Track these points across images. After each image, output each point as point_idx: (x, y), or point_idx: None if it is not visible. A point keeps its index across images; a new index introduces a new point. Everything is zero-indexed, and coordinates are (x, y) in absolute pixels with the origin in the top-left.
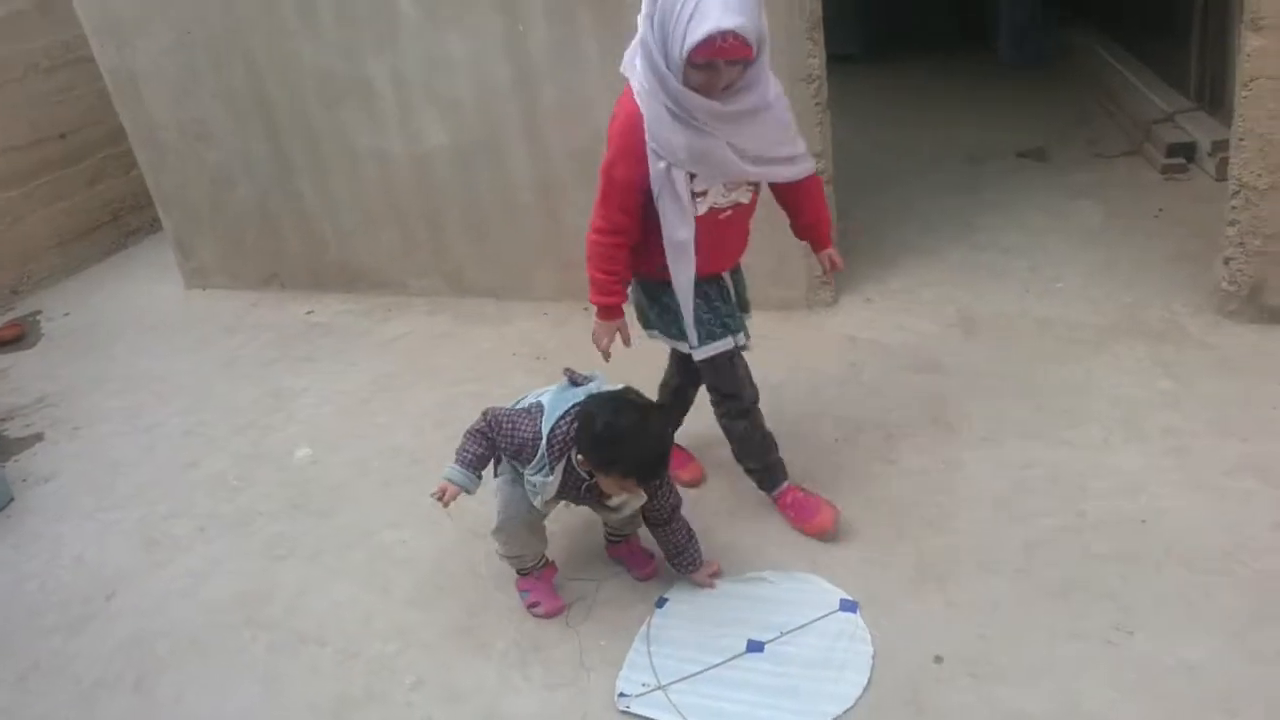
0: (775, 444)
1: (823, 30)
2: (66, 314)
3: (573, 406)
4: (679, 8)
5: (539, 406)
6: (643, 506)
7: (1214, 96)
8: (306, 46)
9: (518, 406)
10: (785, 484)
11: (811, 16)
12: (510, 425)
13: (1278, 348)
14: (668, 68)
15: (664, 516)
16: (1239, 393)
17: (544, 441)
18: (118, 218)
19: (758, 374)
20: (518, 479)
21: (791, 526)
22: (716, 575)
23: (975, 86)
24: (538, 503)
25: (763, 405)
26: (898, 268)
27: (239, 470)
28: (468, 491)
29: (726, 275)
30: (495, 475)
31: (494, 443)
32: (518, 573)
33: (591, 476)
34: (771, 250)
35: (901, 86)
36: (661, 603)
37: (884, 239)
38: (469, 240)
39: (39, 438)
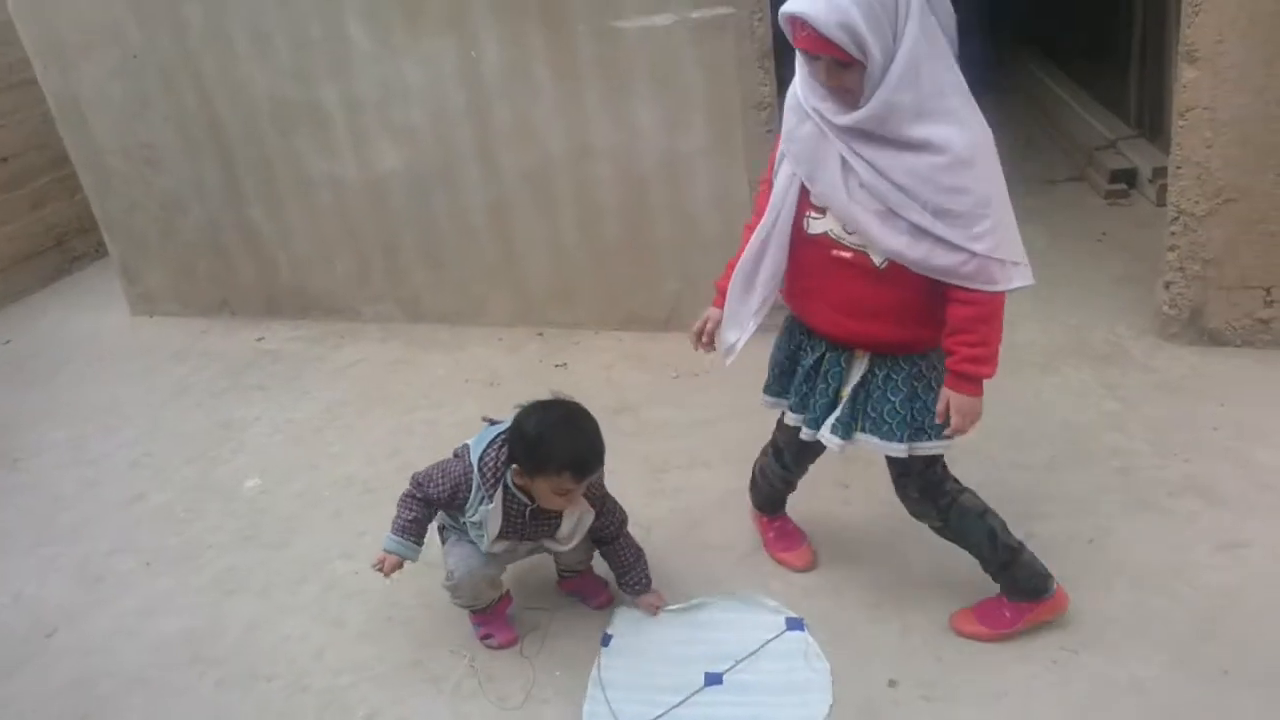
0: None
1: (773, 58)
2: (7, 341)
3: (498, 435)
4: None
5: (464, 447)
6: (591, 527)
7: (1154, 124)
8: (259, 72)
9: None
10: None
11: (762, 44)
12: (440, 473)
13: (1216, 370)
14: None
15: (612, 532)
16: (1181, 414)
17: (475, 471)
18: (61, 243)
19: (712, 400)
20: (463, 534)
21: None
22: (660, 605)
23: None
24: (484, 545)
25: (720, 433)
26: None
27: (187, 502)
28: (409, 560)
29: (832, 352)
30: (442, 543)
31: (428, 500)
32: (471, 612)
33: (532, 501)
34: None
35: None
36: (606, 640)
37: None
38: (424, 266)
39: None
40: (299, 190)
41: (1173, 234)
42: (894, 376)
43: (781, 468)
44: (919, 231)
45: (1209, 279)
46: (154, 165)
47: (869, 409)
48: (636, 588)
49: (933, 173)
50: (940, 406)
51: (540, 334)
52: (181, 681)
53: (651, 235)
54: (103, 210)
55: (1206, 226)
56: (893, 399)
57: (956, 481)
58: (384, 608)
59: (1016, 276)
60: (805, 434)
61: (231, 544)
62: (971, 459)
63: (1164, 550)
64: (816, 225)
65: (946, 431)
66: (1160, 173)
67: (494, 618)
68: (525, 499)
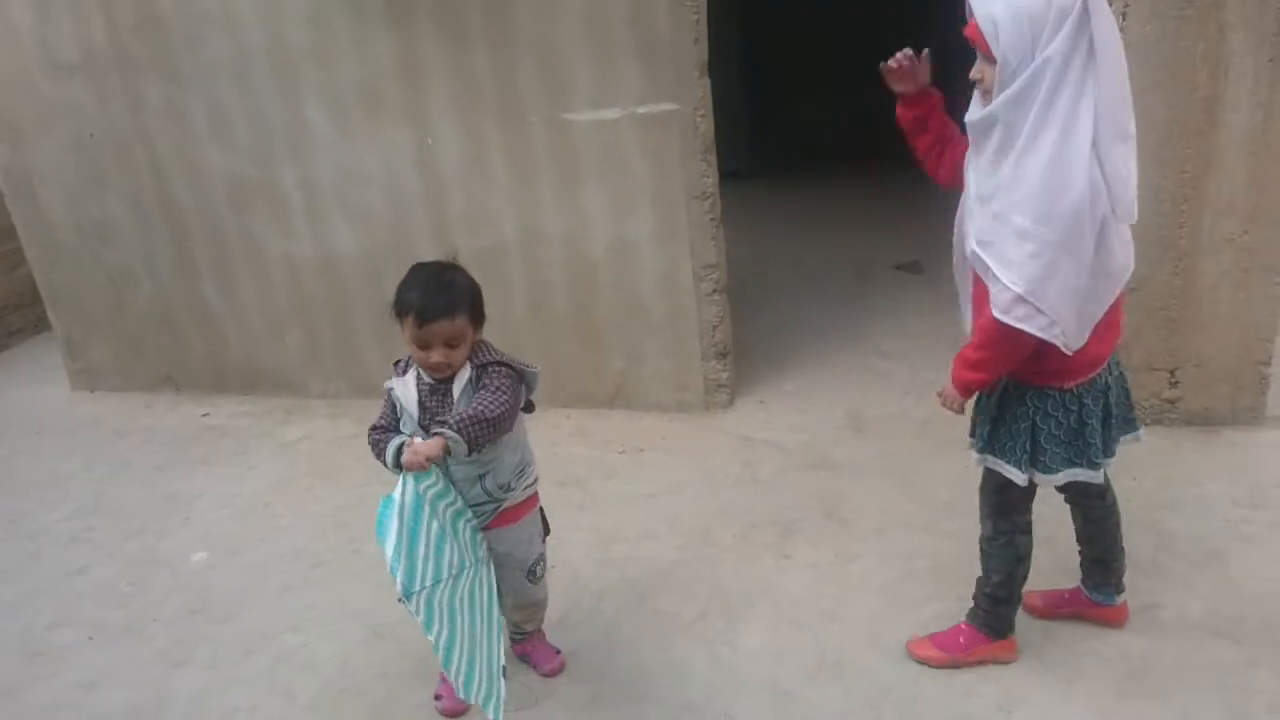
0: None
1: (715, 152)
2: None
3: None
4: None
5: None
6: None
7: None
8: (216, 153)
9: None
10: None
11: (705, 139)
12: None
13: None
14: None
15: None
16: None
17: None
18: None
19: (657, 475)
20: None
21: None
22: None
23: (858, 200)
24: (407, 427)
25: (665, 506)
26: (789, 372)
27: (131, 576)
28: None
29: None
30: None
31: (383, 427)
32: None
33: (439, 382)
34: (668, 354)
35: (792, 201)
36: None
37: (776, 345)
38: (375, 343)
39: None
40: (252, 267)
41: None
42: (1023, 404)
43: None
44: (983, 244)
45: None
46: (105, 240)
47: (1000, 432)
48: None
49: (990, 186)
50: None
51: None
52: None
53: (599, 316)
54: (49, 285)
55: None
56: (1019, 426)
57: (1029, 522)
58: (337, 679)
59: (1025, 320)
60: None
61: (178, 617)
62: (906, 529)
63: None
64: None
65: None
66: None
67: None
68: (429, 378)
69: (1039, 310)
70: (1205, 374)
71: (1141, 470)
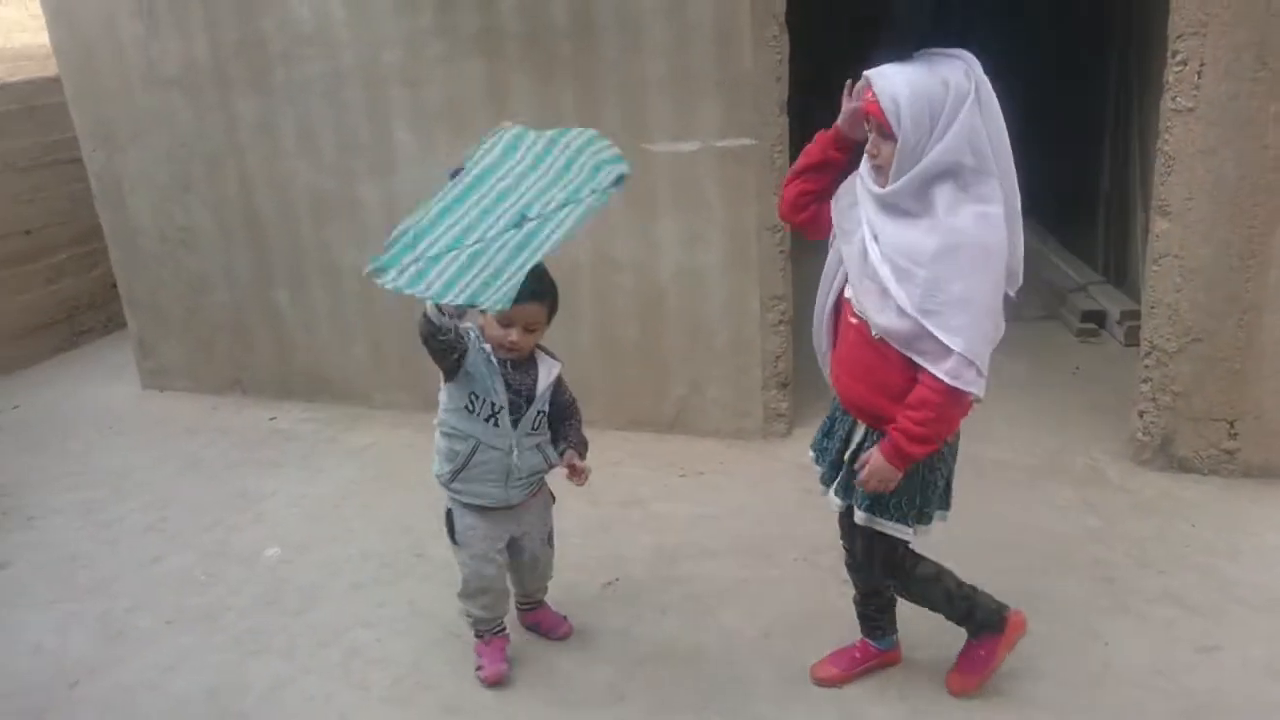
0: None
1: None
2: (16, 406)
3: None
4: None
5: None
6: (552, 401)
7: (1119, 271)
8: (303, 167)
9: None
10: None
11: (780, 173)
12: None
13: (1187, 494)
14: None
15: (563, 411)
16: (1155, 532)
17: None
18: (72, 316)
19: (717, 497)
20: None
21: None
22: (580, 473)
23: None
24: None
25: (726, 527)
26: None
27: (206, 566)
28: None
29: (843, 415)
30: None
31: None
32: (475, 636)
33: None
34: (730, 382)
35: None
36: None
37: None
38: None
39: None
40: (325, 278)
41: (1146, 367)
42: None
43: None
44: (905, 315)
45: (1179, 410)
46: (187, 246)
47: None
48: (565, 444)
49: (923, 257)
50: (863, 459)
51: None
52: None
53: (664, 342)
54: (128, 287)
55: (1176, 362)
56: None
57: (915, 554)
58: (410, 674)
59: (973, 383)
60: (820, 491)
61: (252, 608)
62: (958, 559)
63: (1145, 651)
64: (848, 290)
65: (857, 481)
66: (1128, 315)
67: (492, 649)
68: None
69: (980, 373)
70: (1265, 426)
71: (1199, 518)
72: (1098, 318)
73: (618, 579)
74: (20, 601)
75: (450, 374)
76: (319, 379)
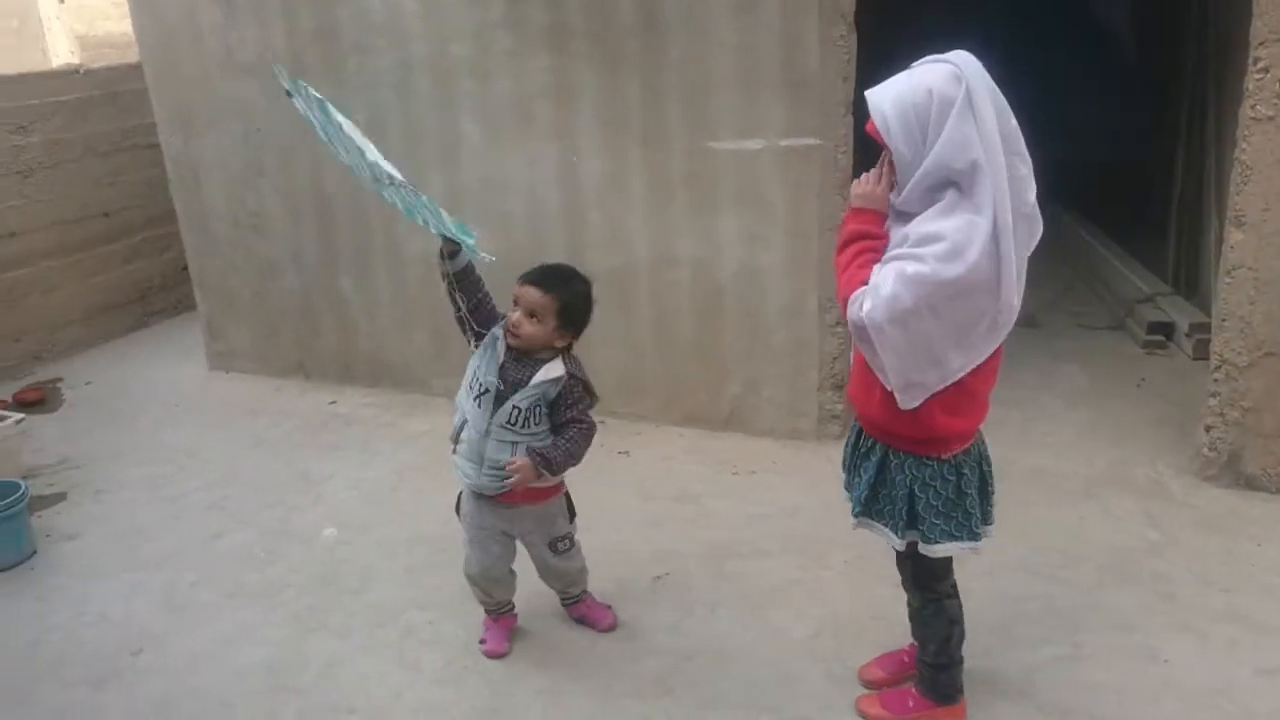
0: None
1: None
2: (88, 383)
3: None
4: None
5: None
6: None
7: (1189, 283)
8: None
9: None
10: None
11: (844, 174)
12: None
13: (1254, 511)
14: None
15: (563, 416)
16: (1220, 549)
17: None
18: (144, 297)
19: (770, 496)
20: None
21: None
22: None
23: None
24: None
25: (779, 526)
26: None
27: (266, 544)
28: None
29: (860, 432)
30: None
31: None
32: (485, 611)
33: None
34: (786, 382)
35: None
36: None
37: None
38: None
39: (62, 497)
40: (390, 265)
41: (1215, 381)
42: (902, 472)
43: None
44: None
45: (1248, 426)
46: (258, 231)
47: (879, 496)
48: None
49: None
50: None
51: (603, 422)
52: (264, 708)
53: (721, 340)
54: (199, 269)
55: (1247, 377)
56: (897, 493)
57: (954, 585)
58: (461, 657)
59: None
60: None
61: (310, 586)
62: (1013, 568)
63: (1207, 671)
64: None
65: None
66: (1197, 328)
67: (499, 627)
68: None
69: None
70: None
71: (1266, 537)
72: (1165, 329)
73: (668, 573)
74: (88, 572)
75: (471, 341)
76: (380, 365)
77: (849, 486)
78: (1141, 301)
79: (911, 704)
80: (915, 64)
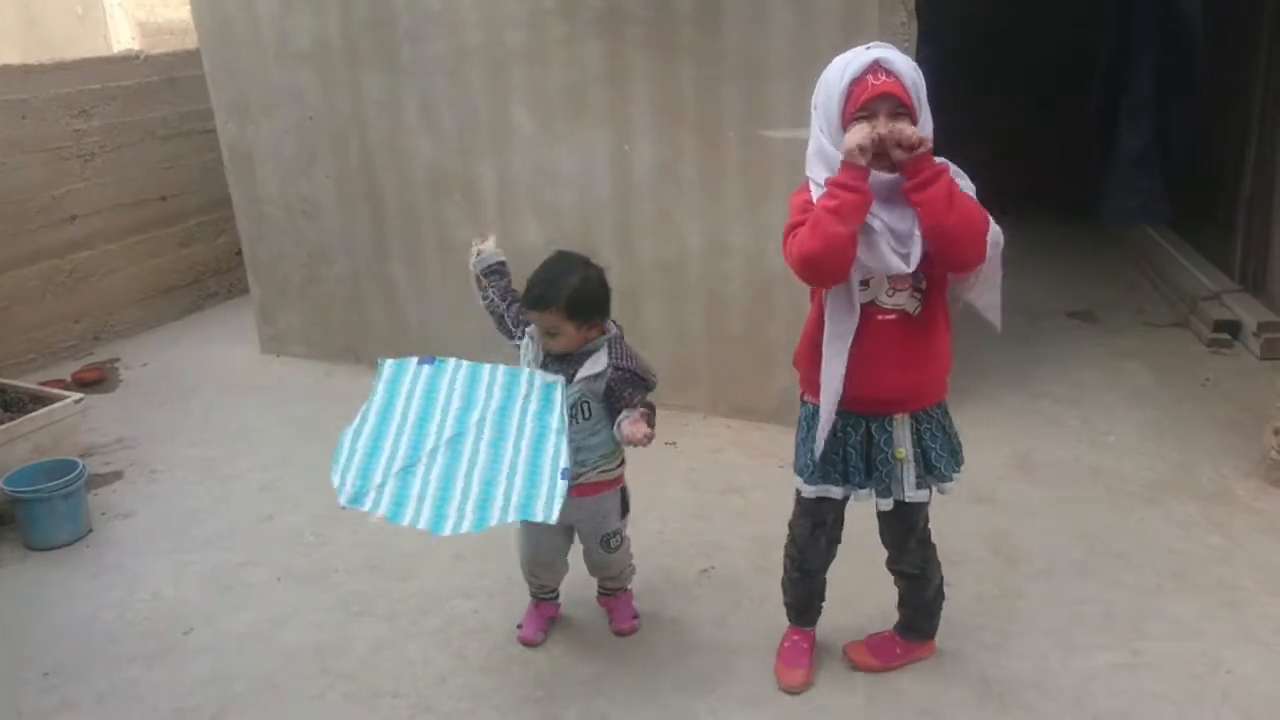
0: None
1: None
2: (145, 364)
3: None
4: (834, 71)
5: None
6: (606, 389)
7: (1257, 280)
8: (424, 143)
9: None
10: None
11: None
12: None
13: None
14: (834, 145)
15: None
16: None
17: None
18: (199, 280)
19: None
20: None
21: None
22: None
23: (1031, 248)
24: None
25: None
26: (954, 408)
27: (315, 528)
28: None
29: (875, 422)
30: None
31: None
32: (530, 595)
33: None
34: None
35: None
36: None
37: None
38: None
39: (118, 476)
40: (441, 254)
41: None
42: (938, 428)
43: (829, 542)
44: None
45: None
46: (309, 217)
47: (931, 460)
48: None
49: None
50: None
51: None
52: (311, 690)
53: (771, 332)
54: (253, 254)
55: None
56: (941, 450)
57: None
58: (505, 645)
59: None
60: (882, 504)
61: (358, 570)
62: (1071, 571)
63: (1271, 684)
64: (864, 295)
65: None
66: (1266, 326)
67: (538, 614)
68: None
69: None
70: None
71: None
72: (1232, 328)
73: (714, 566)
74: (142, 550)
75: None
76: (428, 351)
77: (842, 474)
78: (1207, 298)
79: (899, 650)
80: (863, 46)
